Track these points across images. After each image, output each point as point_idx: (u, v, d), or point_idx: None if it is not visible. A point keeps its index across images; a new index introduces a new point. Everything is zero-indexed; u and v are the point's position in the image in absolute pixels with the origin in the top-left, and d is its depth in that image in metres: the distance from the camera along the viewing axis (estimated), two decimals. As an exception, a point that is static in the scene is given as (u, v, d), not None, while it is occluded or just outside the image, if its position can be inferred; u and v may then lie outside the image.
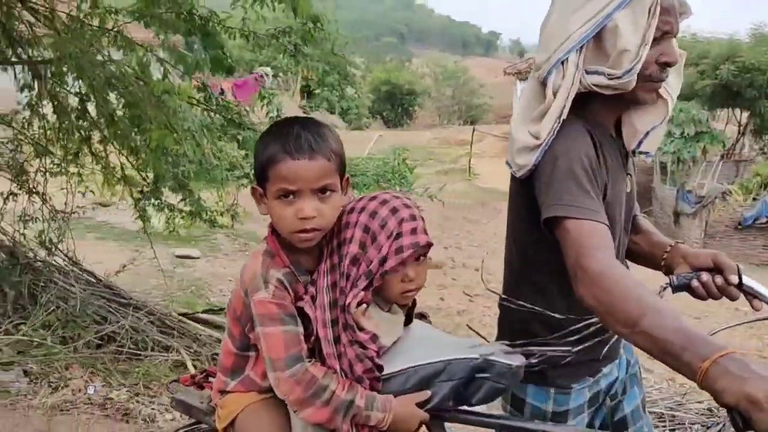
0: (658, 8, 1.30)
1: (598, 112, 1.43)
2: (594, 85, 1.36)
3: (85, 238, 4.63)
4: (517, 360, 1.38)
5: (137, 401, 2.87)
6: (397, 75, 38.14)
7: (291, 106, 16.84)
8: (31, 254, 3.58)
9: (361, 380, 1.30)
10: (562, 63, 1.36)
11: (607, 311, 1.16)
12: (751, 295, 1.36)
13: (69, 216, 3.69)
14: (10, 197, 3.58)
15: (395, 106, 36.18)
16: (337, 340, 1.31)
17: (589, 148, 1.35)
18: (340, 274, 1.32)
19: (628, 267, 1.55)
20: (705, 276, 1.36)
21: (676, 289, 1.38)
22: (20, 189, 3.56)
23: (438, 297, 7.29)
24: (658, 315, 1.09)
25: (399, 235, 1.30)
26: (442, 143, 24.12)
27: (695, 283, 1.37)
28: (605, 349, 1.45)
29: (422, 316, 1.60)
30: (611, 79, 1.33)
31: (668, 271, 1.48)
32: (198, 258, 7.52)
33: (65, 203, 3.74)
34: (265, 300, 1.30)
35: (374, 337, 1.31)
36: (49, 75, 3.59)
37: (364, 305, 1.31)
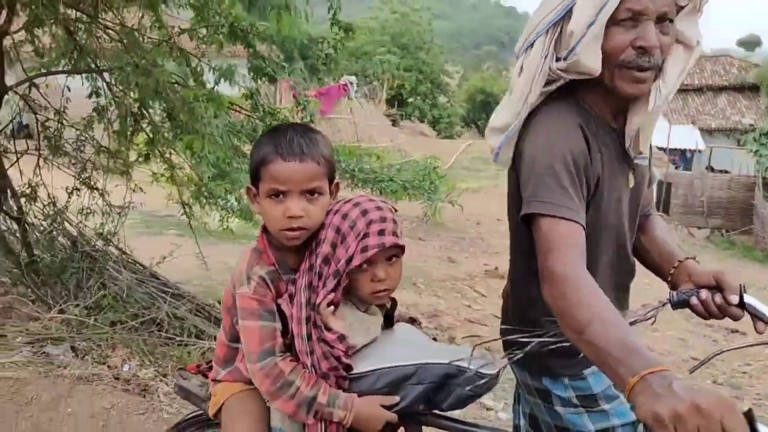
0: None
1: (595, 102, 1.38)
2: (559, 70, 1.33)
3: (136, 230, 5.00)
4: (490, 369, 1.37)
5: (161, 380, 3.13)
6: (493, 84, 37.82)
7: (376, 114, 17.15)
8: (89, 244, 3.98)
9: (328, 377, 1.34)
10: (529, 48, 1.35)
11: (560, 314, 1.16)
12: (756, 316, 1.29)
13: (124, 210, 4.07)
14: (74, 192, 4.00)
15: (490, 114, 35.89)
16: (309, 337, 1.35)
17: (577, 143, 1.31)
18: (314, 273, 1.37)
19: (633, 262, 1.52)
20: (704, 294, 1.32)
21: (675, 305, 1.36)
22: (82, 185, 3.97)
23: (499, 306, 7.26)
24: (604, 325, 1.08)
25: (366, 235, 1.34)
26: (531, 152, 23.61)
27: (694, 300, 1.33)
28: None
29: (413, 321, 1.63)
30: (558, 61, 1.31)
31: (674, 287, 1.43)
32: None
33: (124, 199, 4.12)
34: (246, 295, 1.37)
35: (341, 337, 1.35)
36: (113, 82, 3.99)
37: (332, 306, 1.36)
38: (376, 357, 1.40)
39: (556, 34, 1.31)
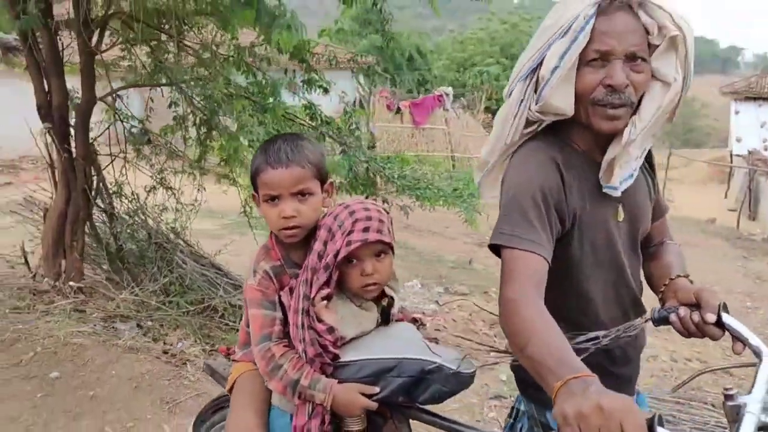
0: (582, 32, 1.29)
1: (580, 139, 1.42)
2: (537, 112, 1.38)
3: (203, 224, 5.46)
4: (466, 368, 1.46)
5: (203, 358, 3.52)
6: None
7: (473, 125, 17.17)
8: (162, 236, 4.51)
9: (313, 362, 1.46)
10: (510, 93, 1.42)
11: (507, 335, 1.22)
12: (735, 337, 1.28)
13: (195, 207, 4.57)
14: (152, 191, 4.55)
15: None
16: (303, 326, 1.47)
17: (549, 179, 1.34)
18: (308, 268, 1.49)
19: (636, 293, 1.52)
20: (683, 311, 1.32)
21: (656, 322, 1.35)
22: (159, 185, 4.51)
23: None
24: (541, 342, 1.14)
25: (351, 232, 1.45)
26: (640, 167, 22.54)
27: (673, 317, 1.33)
28: (618, 383, 1.40)
29: (415, 321, 1.71)
30: (536, 104, 1.37)
31: (663, 304, 1.44)
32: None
33: (196, 198, 4.62)
34: (252, 286, 1.53)
35: (330, 329, 1.45)
36: (191, 94, 4.50)
37: (326, 301, 1.47)
38: (362, 348, 1.50)
39: (533, 80, 1.37)
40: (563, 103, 1.33)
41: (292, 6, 3.68)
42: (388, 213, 1.54)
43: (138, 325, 3.93)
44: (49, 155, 4.29)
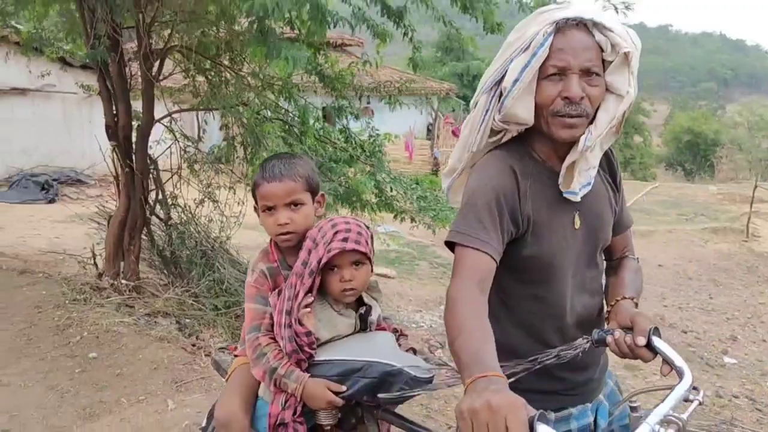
0: (541, 48, 1.37)
1: (541, 149, 1.49)
2: (500, 122, 1.46)
3: (247, 235, 5.89)
4: (426, 374, 1.56)
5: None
6: (703, 123, 34.82)
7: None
8: (207, 244, 5.00)
9: (290, 356, 1.61)
10: (476, 104, 1.50)
11: (446, 330, 1.28)
12: (664, 360, 1.34)
13: (237, 219, 5.05)
14: (201, 203, 5.07)
15: (697, 156, 33.03)
16: (284, 325, 1.61)
17: (504, 185, 1.42)
18: (294, 274, 1.64)
19: (592, 299, 1.58)
20: (618, 333, 1.38)
21: (595, 343, 1.40)
22: (207, 198, 5.03)
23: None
24: (467, 337, 1.20)
25: (331, 241, 1.61)
26: (726, 199, 21.41)
27: (609, 339, 1.38)
28: (567, 387, 1.52)
29: (395, 330, 1.84)
30: (499, 114, 1.45)
31: (608, 322, 1.51)
32: (393, 278, 8.58)
33: (239, 211, 5.10)
34: (249, 283, 1.71)
35: (308, 333, 1.59)
36: (240, 118, 5.01)
37: (308, 309, 1.61)
38: (335, 350, 1.64)
39: (497, 92, 1.44)
40: (524, 113, 1.41)
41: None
42: (368, 228, 1.70)
43: (177, 321, 4.41)
44: (115, 170, 4.90)
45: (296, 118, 4.80)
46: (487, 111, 1.46)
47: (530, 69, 1.37)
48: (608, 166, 1.62)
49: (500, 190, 1.41)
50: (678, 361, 1.32)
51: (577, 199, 1.48)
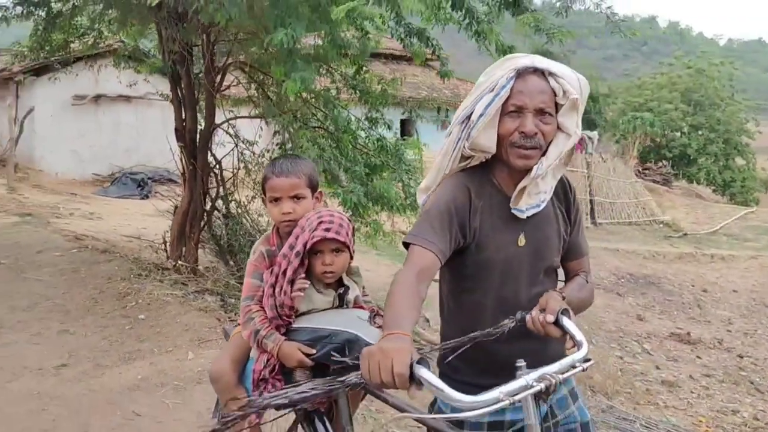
0: (503, 89, 1.59)
1: (500, 176, 1.70)
2: (469, 149, 1.67)
3: None
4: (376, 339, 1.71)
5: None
6: (815, 147, 32.36)
7: (622, 171, 16.77)
8: (256, 236, 5.68)
9: (271, 322, 1.87)
10: (450, 134, 1.71)
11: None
12: (569, 335, 1.51)
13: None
14: (252, 200, 5.77)
15: (808, 180, 30.81)
16: (270, 295, 1.88)
17: (458, 200, 1.64)
18: (283, 255, 1.90)
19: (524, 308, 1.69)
20: (535, 313, 1.54)
21: (518, 322, 1.58)
22: (257, 195, 5.71)
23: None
24: (394, 308, 1.44)
25: (315, 229, 1.86)
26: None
27: (527, 317, 1.55)
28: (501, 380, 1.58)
29: (372, 311, 2.01)
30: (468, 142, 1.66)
31: None
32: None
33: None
34: (250, 261, 1.99)
35: (291, 308, 1.87)
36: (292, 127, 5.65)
37: (301, 292, 1.87)
38: (310, 320, 1.89)
39: (467, 125, 1.65)
40: (487, 142, 1.63)
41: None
42: (350, 222, 1.97)
43: (222, 299, 5.08)
44: (182, 168, 5.69)
45: (333, 127, 5.38)
46: (458, 140, 1.67)
47: (493, 106, 1.59)
48: (564, 199, 1.81)
49: (453, 203, 1.64)
50: (579, 336, 1.52)
51: (523, 216, 1.68)
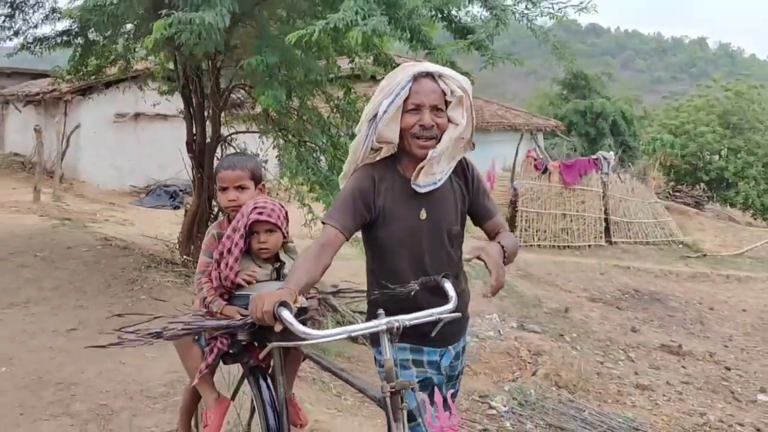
0: (403, 90, 1.93)
1: (403, 163, 2.05)
2: (377, 142, 1.99)
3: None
4: (305, 303, 2.15)
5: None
6: None
7: (641, 190, 16.96)
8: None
9: (216, 290, 2.24)
10: (359, 131, 2.04)
11: None
12: (445, 292, 1.93)
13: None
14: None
15: None
16: (215, 269, 2.25)
17: (362, 186, 2.00)
18: (227, 236, 2.26)
19: (437, 270, 2.02)
20: (432, 277, 1.96)
21: (419, 285, 1.94)
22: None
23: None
24: (295, 270, 1.85)
25: (251, 213, 2.21)
26: None
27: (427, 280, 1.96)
28: (425, 334, 1.95)
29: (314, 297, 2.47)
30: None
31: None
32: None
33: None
34: (204, 242, 2.39)
35: (233, 282, 2.20)
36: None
37: (248, 277, 2.22)
38: (248, 289, 2.20)
39: (375, 122, 1.98)
40: (391, 135, 1.97)
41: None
42: (282, 207, 2.30)
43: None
44: (193, 176, 6.49)
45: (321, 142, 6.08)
46: (367, 135, 2.02)
47: (394, 104, 1.94)
48: (463, 175, 2.15)
49: (358, 189, 2.00)
50: (451, 292, 1.91)
51: (421, 191, 2.01)
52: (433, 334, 1.91)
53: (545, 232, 13.98)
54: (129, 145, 13.50)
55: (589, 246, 14.74)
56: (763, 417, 6.66)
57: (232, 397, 2.38)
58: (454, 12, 4.61)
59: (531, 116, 21.25)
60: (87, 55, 6.53)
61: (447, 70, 2.04)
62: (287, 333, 1.67)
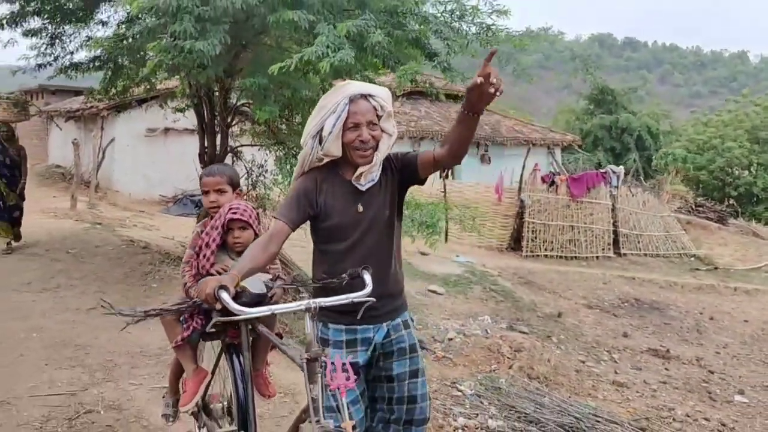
0: (343, 111, 2.20)
1: (343, 167, 2.31)
2: (322, 154, 2.27)
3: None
4: (261, 291, 2.35)
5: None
6: None
7: (653, 204, 17.23)
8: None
9: (195, 278, 2.54)
10: (305, 144, 2.30)
11: None
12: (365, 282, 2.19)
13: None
14: (264, 210, 7.30)
15: None
16: (196, 259, 2.61)
17: (307, 186, 2.29)
18: (206, 233, 2.62)
19: (380, 256, 2.34)
20: (359, 271, 2.19)
21: (349, 276, 2.22)
22: (261, 208, 7.24)
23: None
24: (243, 258, 2.16)
25: (226, 214, 2.55)
26: None
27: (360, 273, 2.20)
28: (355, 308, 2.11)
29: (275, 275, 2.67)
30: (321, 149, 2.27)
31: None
32: (441, 294, 10.10)
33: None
34: (191, 237, 2.73)
35: (208, 272, 2.50)
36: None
37: (223, 267, 2.49)
38: None
39: (318, 137, 2.26)
40: (335, 150, 2.24)
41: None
42: (254, 209, 2.65)
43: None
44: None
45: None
46: (312, 149, 2.29)
47: (337, 126, 2.21)
48: (391, 167, 2.37)
49: (303, 189, 2.30)
50: (368, 280, 2.14)
51: (363, 189, 2.29)
52: (358, 317, 2.13)
53: (552, 242, 14.42)
54: (159, 158, 14.51)
55: (597, 257, 15.11)
56: (733, 415, 6.94)
57: (213, 370, 2.70)
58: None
59: (548, 131, 21.67)
60: (116, 77, 7.43)
61: (375, 89, 2.33)
62: (227, 310, 1.98)
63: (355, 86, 2.30)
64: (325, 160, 2.31)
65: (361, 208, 2.30)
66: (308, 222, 2.36)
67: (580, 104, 35.68)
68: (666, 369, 8.29)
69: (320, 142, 2.26)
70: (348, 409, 1.99)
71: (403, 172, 2.35)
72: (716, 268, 16.05)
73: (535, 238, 14.31)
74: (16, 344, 4.37)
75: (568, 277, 13.08)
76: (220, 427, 2.62)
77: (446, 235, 13.79)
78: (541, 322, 9.51)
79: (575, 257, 14.75)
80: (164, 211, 13.68)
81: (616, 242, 15.55)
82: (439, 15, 5.41)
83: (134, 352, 4.14)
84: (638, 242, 16.08)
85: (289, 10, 4.47)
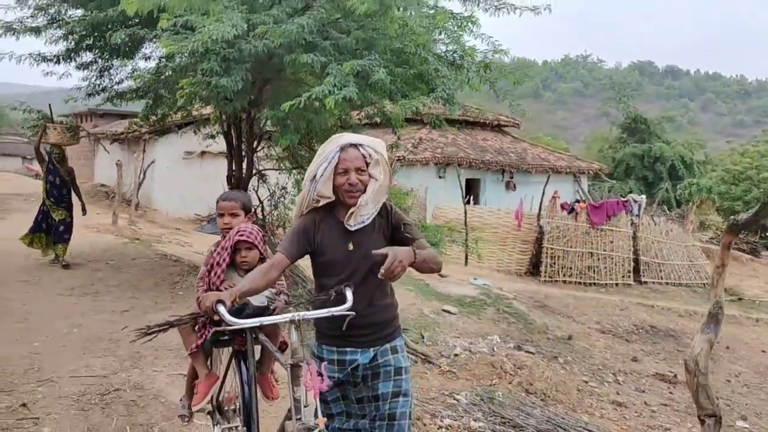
0: (334, 158, 2.42)
1: (337, 208, 2.51)
2: (317, 196, 2.47)
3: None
4: (262, 304, 2.61)
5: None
6: None
7: (677, 234, 17.31)
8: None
9: (206, 292, 2.63)
10: (303, 188, 2.54)
11: None
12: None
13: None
14: (283, 227, 7.94)
15: None
16: (206, 277, 2.86)
17: (306, 224, 2.49)
18: (215, 253, 2.88)
19: (367, 293, 2.49)
20: (342, 288, 2.41)
21: (336, 293, 2.39)
22: (282, 227, 7.88)
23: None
24: (244, 281, 2.39)
25: (235, 236, 2.79)
26: None
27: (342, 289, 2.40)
28: (345, 333, 2.41)
29: (279, 290, 2.86)
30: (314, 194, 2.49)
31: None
32: (454, 314, 10.49)
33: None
34: (206, 256, 2.97)
35: (218, 289, 2.71)
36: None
37: (233, 290, 2.38)
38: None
39: (315, 181, 2.47)
40: (327, 192, 2.45)
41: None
42: (260, 231, 2.88)
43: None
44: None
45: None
46: (309, 191, 2.49)
47: (327, 170, 2.43)
48: (386, 214, 2.56)
49: (302, 227, 2.51)
50: (349, 295, 2.36)
51: (352, 229, 2.47)
52: (343, 328, 2.37)
53: (570, 268, 14.65)
54: (195, 179, 15.36)
55: (616, 284, 15.26)
56: (736, 444, 7.07)
57: (224, 374, 2.97)
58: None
59: (574, 159, 21.96)
60: (156, 106, 8.22)
61: (365, 140, 2.54)
62: (224, 322, 2.25)
63: (347, 137, 2.54)
64: (322, 201, 2.51)
65: (351, 246, 2.49)
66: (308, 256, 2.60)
67: (612, 132, 35.67)
68: (670, 393, 8.41)
69: (315, 186, 2.50)
70: (329, 405, 2.49)
71: (393, 232, 2.57)
72: (740, 299, 15.96)
73: (554, 263, 14.57)
74: (60, 337, 5.09)
75: (585, 302, 13.24)
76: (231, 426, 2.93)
77: (466, 258, 14.23)
78: (550, 343, 9.68)
79: (594, 283, 14.92)
80: (198, 229, 14.49)
81: (636, 270, 15.66)
82: (442, 54, 6.01)
83: (158, 346, 4.74)
84: (660, 270, 16.16)
85: (304, 54, 5.12)
